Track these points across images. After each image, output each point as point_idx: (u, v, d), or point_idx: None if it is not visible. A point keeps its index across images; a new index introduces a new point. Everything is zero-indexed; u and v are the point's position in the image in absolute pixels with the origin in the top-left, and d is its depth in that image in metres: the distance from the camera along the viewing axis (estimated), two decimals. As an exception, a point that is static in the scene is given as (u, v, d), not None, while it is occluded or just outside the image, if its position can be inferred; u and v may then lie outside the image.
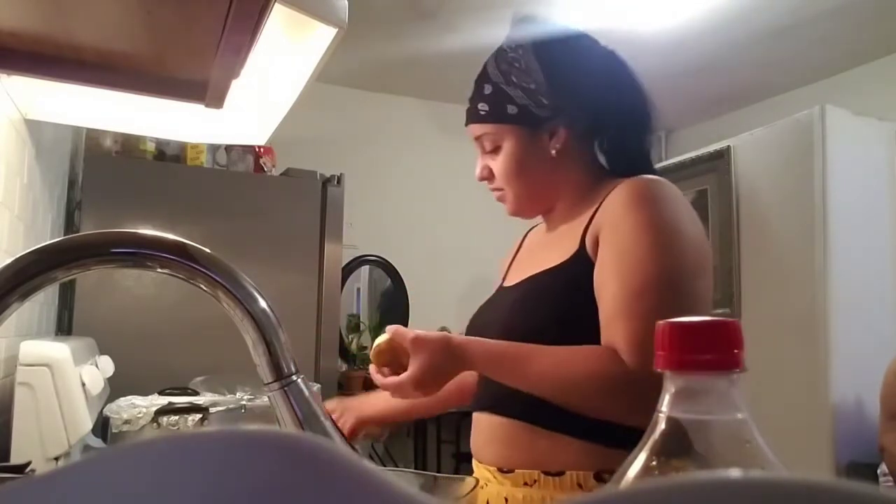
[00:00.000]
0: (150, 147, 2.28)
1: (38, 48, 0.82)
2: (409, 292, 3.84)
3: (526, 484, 0.97)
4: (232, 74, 0.84)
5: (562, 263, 1.01)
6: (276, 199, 2.39)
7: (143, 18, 0.73)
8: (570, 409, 0.93)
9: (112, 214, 2.12)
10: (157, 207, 2.21)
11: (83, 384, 1.20)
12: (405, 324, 0.92)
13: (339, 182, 2.49)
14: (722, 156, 2.96)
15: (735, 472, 0.20)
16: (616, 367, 0.89)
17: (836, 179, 2.59)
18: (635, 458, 0.32)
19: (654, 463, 0.32)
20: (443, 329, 1.12)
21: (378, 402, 1.23)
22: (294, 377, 0.56)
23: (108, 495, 0.23)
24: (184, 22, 0.74)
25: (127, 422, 1.28)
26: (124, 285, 2.14)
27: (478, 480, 0.90)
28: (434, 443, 3.66)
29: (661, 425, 0.32)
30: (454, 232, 3.93)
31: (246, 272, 0.56)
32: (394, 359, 0.96)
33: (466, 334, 1.05)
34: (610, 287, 0.94)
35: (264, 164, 2.53)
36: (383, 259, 3.82)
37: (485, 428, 1.04)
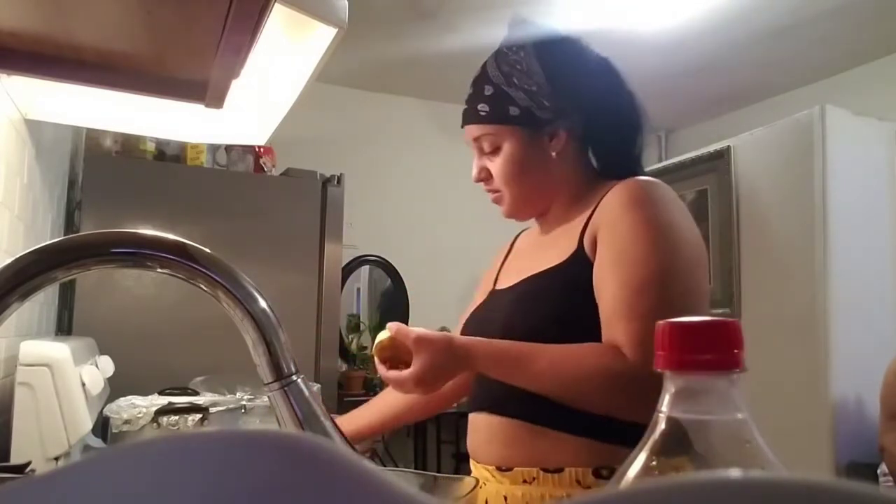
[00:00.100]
0: (150, 147, 2.28)
1: (38, 48, 0.82)
2: (409, 292, 3.84)
3: (525, 481, 0.97)
4: (232, 74, 0.84)
5: (560, 264, 1.02)
6: (276, 199, 2.39)
7: (143, 18, 0.73)
8: (573, 406, 0.94)
9: (112, 214, 2.12)
10: (157, 207, 2.21)
11: (83, 384, 1.20)
12: (405, 324, 0.92)
13: (339, 182, 2.49)
14: (722, 156, 2.96)
15: (735, 472, 0.20)
16: (619, 363, 0.90)
17: (836, 179, 2.59)
18: (635, 458, 0.32)
19: (654, 463, 0.32)
20: (443, 329, 1.12)
21: (353, 420, 1.24)
22: (294, 377, 0.56)
23: (108, 495, 0.23)
24: (184, 22, 0.74)
25: (127, 422, 1.28)
26: (124, 285, 2.14)
27: (478, 480, 0.90)
28: (434, 443, 3.66)
29: (661, 425, 0.32)
30: (454, 232, 3.93)
31: (246, 272, 0.56)
32: (395, 355, 0.97)
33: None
34: (610, 286, 0.95)
35: (264, 164, 2.53)
36: (383, 259, 3.83)
37: (483, 428, 1.05)
